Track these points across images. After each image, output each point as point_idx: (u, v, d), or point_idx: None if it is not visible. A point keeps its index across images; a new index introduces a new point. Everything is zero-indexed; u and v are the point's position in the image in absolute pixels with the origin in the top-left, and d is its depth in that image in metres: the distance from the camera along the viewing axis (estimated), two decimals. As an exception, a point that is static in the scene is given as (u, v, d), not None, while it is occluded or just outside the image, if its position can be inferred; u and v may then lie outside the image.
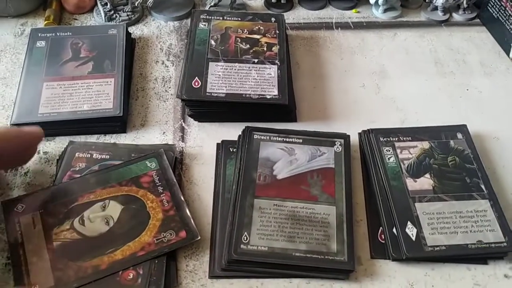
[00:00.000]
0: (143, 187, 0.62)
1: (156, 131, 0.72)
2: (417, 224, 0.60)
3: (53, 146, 0.69)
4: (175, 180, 0.63)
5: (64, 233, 0.58)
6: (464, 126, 0.71)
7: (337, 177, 0.64)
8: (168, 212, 0.60)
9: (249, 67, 0.73)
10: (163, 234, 0.59)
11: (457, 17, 0.92)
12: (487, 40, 0.88)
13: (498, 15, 0.87)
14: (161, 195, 0.62)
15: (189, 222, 0.60)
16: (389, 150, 0.67)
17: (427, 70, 0.83)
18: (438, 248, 0.59)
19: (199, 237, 0.59)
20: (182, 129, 0.72)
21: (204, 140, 0.71)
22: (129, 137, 0.71)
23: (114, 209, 0.60)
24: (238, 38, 0.77)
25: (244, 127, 0.68)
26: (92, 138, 0.70)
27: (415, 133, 0.69)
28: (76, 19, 0.87)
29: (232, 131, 0.70)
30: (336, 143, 0.67)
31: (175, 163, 0.67)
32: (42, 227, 0.58)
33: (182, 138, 0.71)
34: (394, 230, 0.61)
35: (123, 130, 0.71)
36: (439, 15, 0.91)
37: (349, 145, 0.67)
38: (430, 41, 0.88)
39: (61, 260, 0.56)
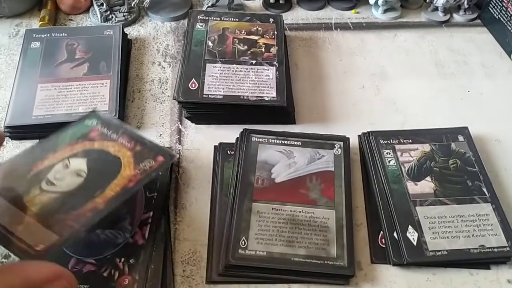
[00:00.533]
0: (95, 139, 0.60)
1: (153, 134, 0.70)
2: (418, 228, 0.59)
3: (47, 149, 0.68)
4: (123, 124, 0.61)
5: (37, 197, 0.54)
6: (466, 128, 0.69)
7: (337, 181, 0.63)
8: (134, 148, 0.58)
9: (247, 69, 0.72)
10: (142, 165, 0.56)
11: (457, 17, 0.91)
12: (488, 41, 0.87)
13: (499, 15, 0.86)
14: (118, 139, 0.59)
15: (160, 147, 0.59)
16: (389, 153, 0.66)
17: (427, 71, 0.82)
18: (439, 252, 0.58)
19: (178, 156, 0.62)
20: (179, 132, 0.71)
21: (202, 143, 0.70)
22: (125, 140, 0.69)
23: (79, 164, 0.57)
24: (235, 39, 0.76)
25: (242, 130, 0.67)
26: (87, 141, 0.69)
27: (416, 136, 0.68)
28: (71, 20, 0.86)
29: (230, 133, 0.69)
30: (335, 145, 0.66)
31: (172, 165, 0.65)
32: (9, 202, 0.53)
33: (179, 141, 0.70)
34: (395, 234, 0.59)
35: (119, 133, 0.70)
36: (440, 16, 0.90)
37: (349, 148, 0.66)
38: (430, 42, 0.87)
39: (51, 217, 0.52)
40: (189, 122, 0.72)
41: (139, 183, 0.55)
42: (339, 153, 0.66)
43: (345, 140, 0.67)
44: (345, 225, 0.59)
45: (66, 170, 0.56)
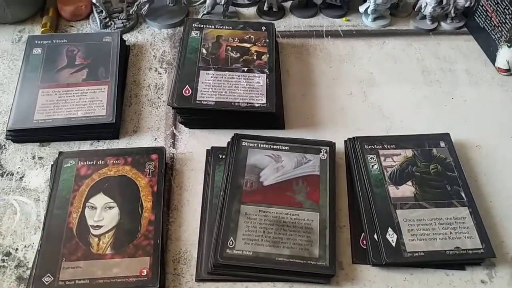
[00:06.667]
0: (89, 174, 0.66)
1: (148, 138, 0.74)
2: (397, 230, 0.62)
3: (47, 152, 0.71)
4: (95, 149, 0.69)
5: (101, 242, 0.61)
6: (447, 134, 0.72)
7: (322, 184, 0.66)
8: (127, 161, 0.67)
9: (238, 76, 0.75)
10: (146, 169, 0.66)
11: (445, 26, 0.93)
12: (474, 49, 0.90)
13: (484, 24, 0.88)
14: (108, 162, 0.67)
15: (145, 148, 0.70)
16: (373, 158, 0.69)
17: (414, 78, 0.85)
18: (417, 254, 0.61)
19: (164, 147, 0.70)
20: (173, 136, 0.74)
21: (195, 147, 0.73)
22: (121, 143, 0.73)
23: (99, 199, 0.64)
24: (229, 47, 0.79)
25: (233, 134, 0.70)
26: (86, 144, 0.72)
27: (399, 141, 0.71)
28: (72, 26, 0.89)
29: (221, 138, 0.72)
30: (321, 150, 0.69)
31: (166, 168, 0.69)
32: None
33: (173, 145, 0.73)
34: (375, 236, 0.63)
35: (116, 136, 0.73)
36: (428, 24, 0.93)
37: (334, 153, 0.69)
38: (418, 50, 0.89)
39: (128, 248, 0.61)
40: (183, 126, 0.75)
41: (160, 184, 0.64)
42: (325, 158, 0.69)
43: (331, 145, 0.70)
44: (328, 227, 0.62)
45: (96, 211, 0.63)
